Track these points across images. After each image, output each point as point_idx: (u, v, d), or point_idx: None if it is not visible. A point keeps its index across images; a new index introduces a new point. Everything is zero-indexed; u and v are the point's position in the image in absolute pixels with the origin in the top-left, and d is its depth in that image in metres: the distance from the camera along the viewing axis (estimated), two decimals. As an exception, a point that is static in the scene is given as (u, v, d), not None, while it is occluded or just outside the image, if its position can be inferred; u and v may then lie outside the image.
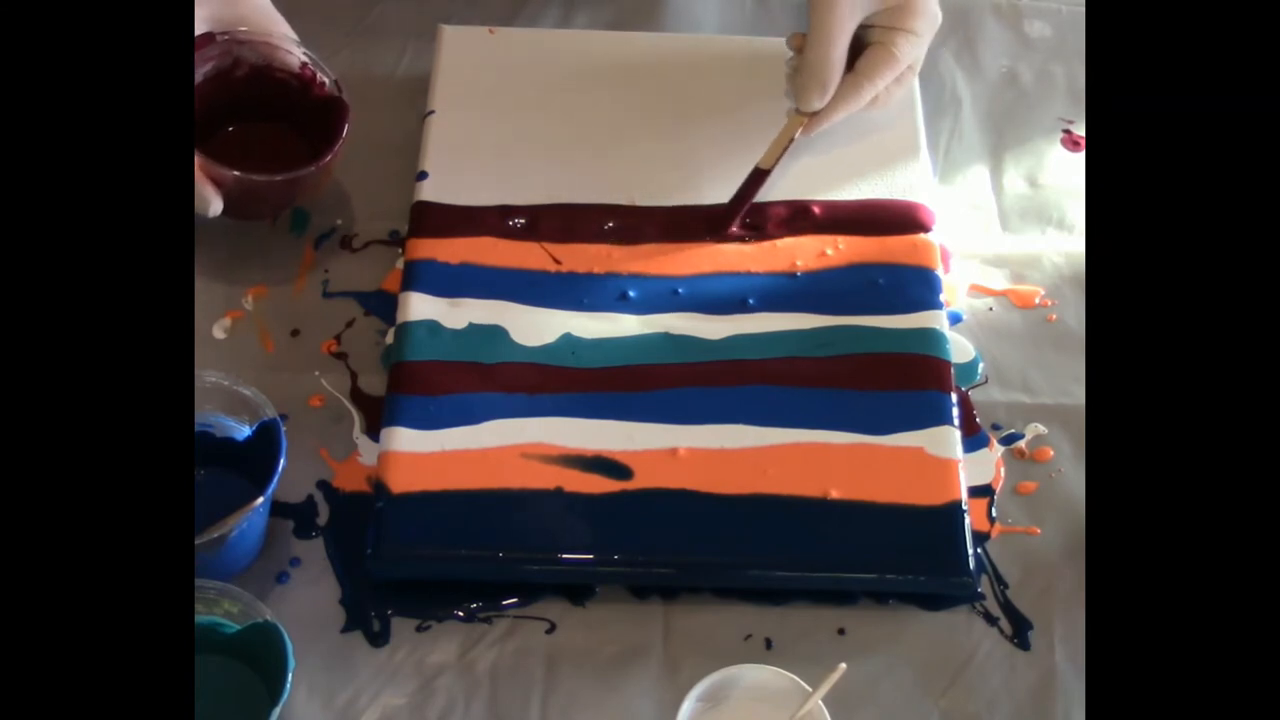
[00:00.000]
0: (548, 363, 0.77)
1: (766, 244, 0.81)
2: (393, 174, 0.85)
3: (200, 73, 0.79)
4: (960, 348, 0.80)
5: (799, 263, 0.81)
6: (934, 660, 0.71)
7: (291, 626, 0.64)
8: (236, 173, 0.75)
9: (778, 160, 0.81)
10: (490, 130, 0.85)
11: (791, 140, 0.81)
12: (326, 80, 0.80)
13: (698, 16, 0.95)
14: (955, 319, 0.82)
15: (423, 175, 0.83)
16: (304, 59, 0.80)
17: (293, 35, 0.80)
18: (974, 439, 0.77)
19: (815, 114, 0.81)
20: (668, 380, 0.76)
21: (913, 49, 0.80)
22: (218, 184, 0.76)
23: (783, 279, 0.80)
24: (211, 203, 0.76)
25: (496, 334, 0.77)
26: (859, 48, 0.80)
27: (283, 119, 0.82)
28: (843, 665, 0.65)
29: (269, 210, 0.83)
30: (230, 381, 0.71)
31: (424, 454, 0.73)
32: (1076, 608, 0.72)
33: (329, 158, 0.78)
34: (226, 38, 0.78)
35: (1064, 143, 0.91)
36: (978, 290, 0.84)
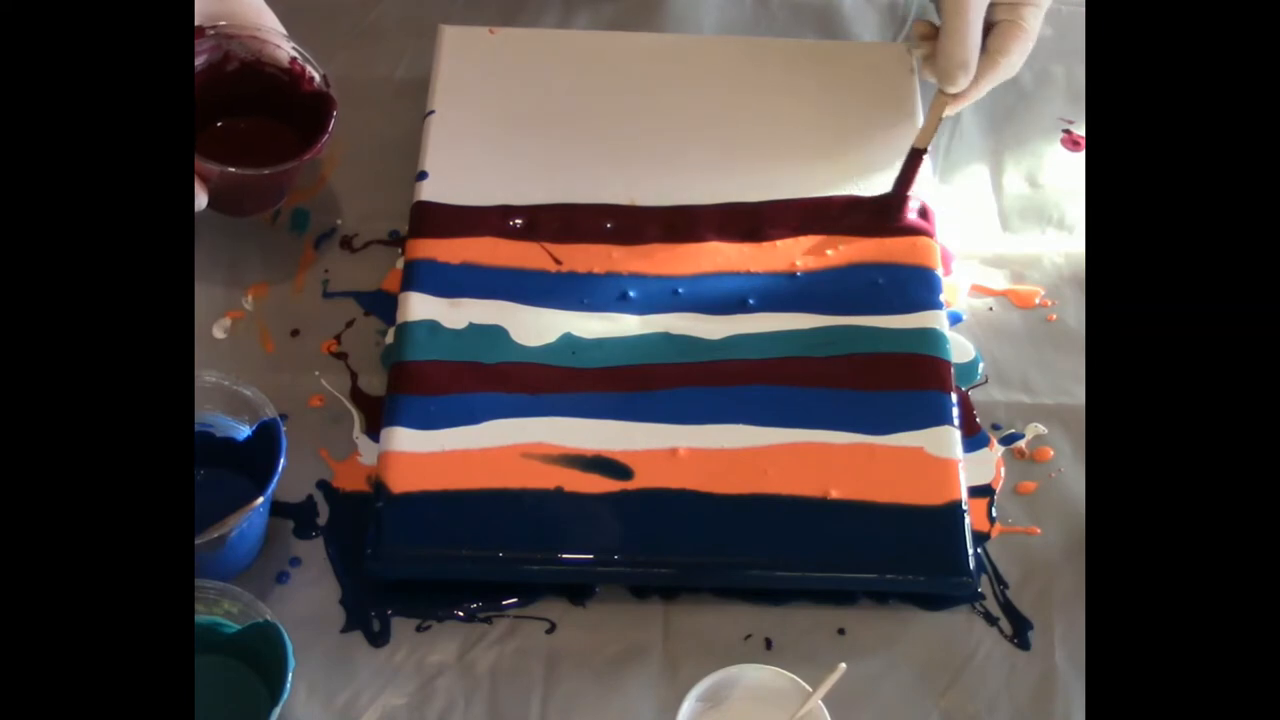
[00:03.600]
0: (548, 363, 0.77)
1: (766, 244, 0.82)
2: (393, 174, 0.85)
3: None
4: (960, 348, 0.80)
5: (799, 263, 0.81)
6: (934, 660, 0.71)
7: (291, 626, 0.64)
8: (222, 168, 0.75)
9: (931, 139, 0.84)
10: (490, 130, 0.85)
11: (940, 119, 0.83)
12: (315, 75, 0.80)
13: (698, 16, 0.95)
14: (955, 319, 0.82)
15: (423, 175, 0.83)
16: (293, 53, 0.80)
17: (281, 29, 0.80)
18: (974, 439, 0.78)
19: (959, 93, 0.83)
20: (668, 380, 0.76)
21: (1038, 20, 0.82)
22: (204, 179, 0.76)
23: (783, 279, 0.80)
24: (196, 198, 0.76)
25: (496, 334, 0.77)
26: (987, 25, 0.82)
27: (272, 114, 0.82)
28: (843, 665, 0.65)
29: (257, 206, 0.82)
30: (230, 381, 0.71)
31: (424, 454, 0.73)
32: (1076, 608, 0.72)
33: (313, 152, 0.77)
34: (216, 31, 0.78)
35: (1064, 143, 0.91)
36: (978, 290, 0.84)
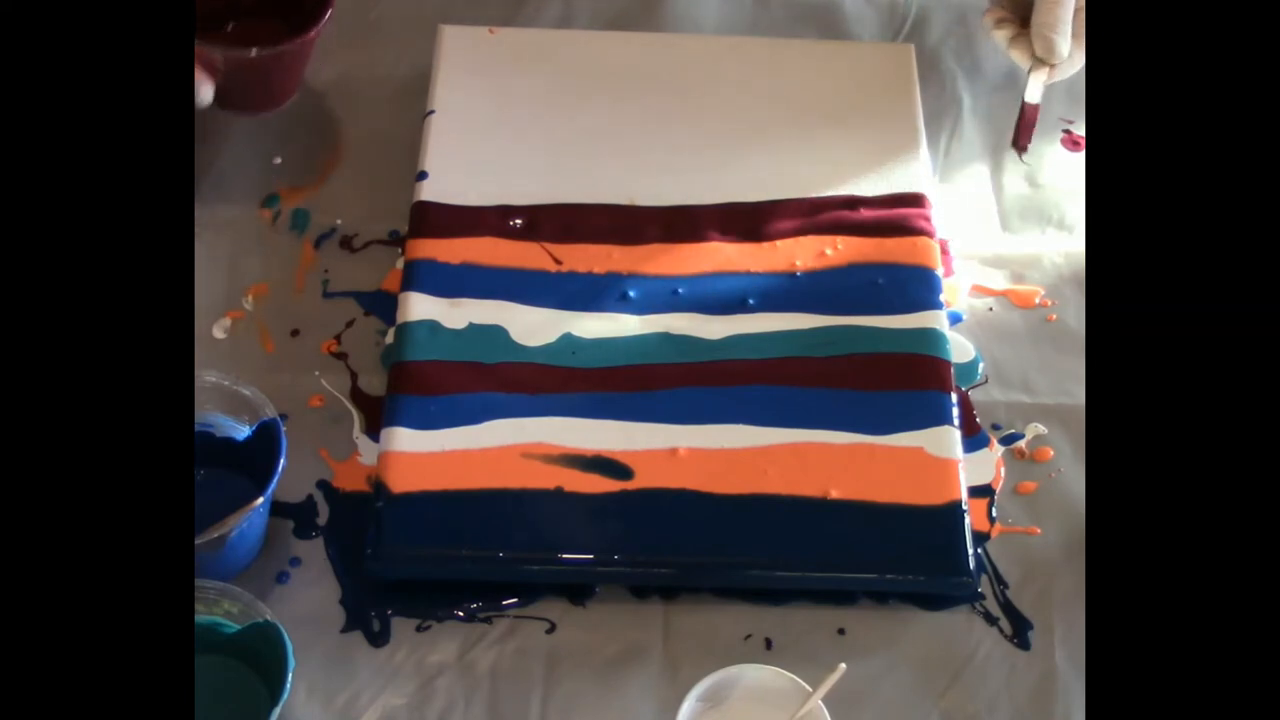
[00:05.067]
0: (548, 363, 0.77)
1: (766, 244, 0.82)
2: (393, 174, 0.85)
3: None
4: (960, 348, 0.80)
5: (799, 263, 0.81)
6: (934, 660, 0.71)
7: (291, 626, 0.64)
8: (225, 51, 0.76)
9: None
10: (490, 130, 0.85)
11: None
12: None
13: (698, 16, 0.95)
14: (955, 319, 0.82)
15: (423, 175, 0.83)
16: None
17: None
18: (974, 439, 0.77)
19: (1055, 65, 0.81)
20: (668, 380, 0.76)
21: None
22: (208, 70, 0.77)
23: (783, 279, 0.80)
24: (201, 89, 0.76)
25: (496, 334, 0.77)
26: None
27: (279, 17, 0.83)
28: (843, 665, 0.65)
29: (264, 100, 0.83)
30: (230, 381, 0.71)
31: (424, 454, 0.73)
32: (1076, 608, 0.72)
33: (312, 33, 0.79)
34: None
35: (1064, 143, 0.91)
36: (978, 290, 0.84)
